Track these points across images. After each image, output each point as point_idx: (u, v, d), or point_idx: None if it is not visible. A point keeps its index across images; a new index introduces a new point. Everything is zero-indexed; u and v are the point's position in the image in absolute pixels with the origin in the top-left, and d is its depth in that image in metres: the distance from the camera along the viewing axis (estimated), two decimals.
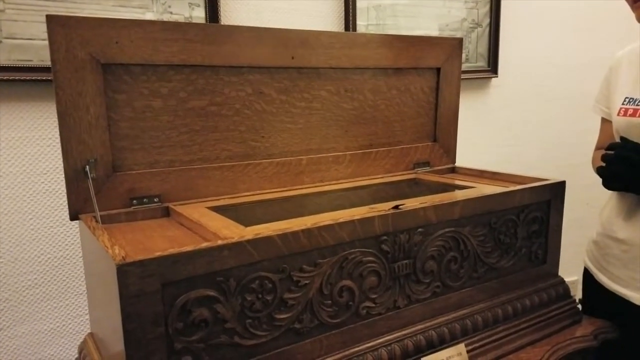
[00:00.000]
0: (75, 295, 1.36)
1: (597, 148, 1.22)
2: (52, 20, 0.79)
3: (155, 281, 0.61)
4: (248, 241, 0.68)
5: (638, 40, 1.12)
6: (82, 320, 1.37)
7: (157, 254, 0.61)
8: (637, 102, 1.04)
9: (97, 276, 0.77)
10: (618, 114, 1.07)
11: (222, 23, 1.43)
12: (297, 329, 0.74)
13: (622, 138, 1.02)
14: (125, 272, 0.59)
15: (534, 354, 0.95)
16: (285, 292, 0.72)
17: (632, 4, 1.00)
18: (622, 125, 1.06)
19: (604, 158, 0.99)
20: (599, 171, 1.01)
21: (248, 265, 0.68)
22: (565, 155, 2.19)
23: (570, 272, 1.24)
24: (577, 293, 1.17)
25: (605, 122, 1.19)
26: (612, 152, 0.98)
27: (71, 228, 1.33)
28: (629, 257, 1.06)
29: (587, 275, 1.19)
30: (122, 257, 0.60)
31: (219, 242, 0.66)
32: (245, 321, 0.69)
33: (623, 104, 1.07)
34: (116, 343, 0.65)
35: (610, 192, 1.10)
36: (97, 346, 0.84)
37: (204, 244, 0.65)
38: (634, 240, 1.04)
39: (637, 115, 1.03)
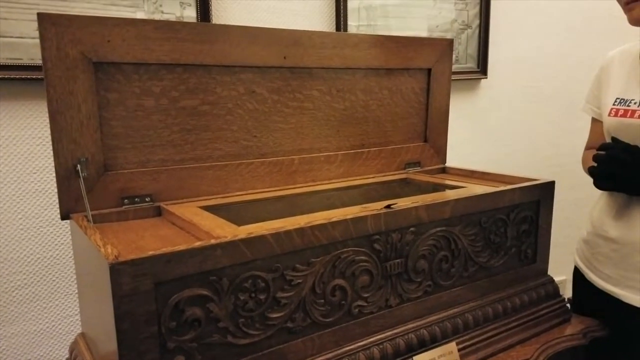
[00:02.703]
0: (65, 295, 1.35)
1: (587, 148, 1.24)
2: (44, 19, 0.78)
3: (148, 280, 0.61)
4: (241, 240, 0.68)
5: (629, 41, 1.13)
6: (72, 321, 1.36)
7: (150, 253, 0.61)
8: (628, 102, 1.06)
9: (88, 276, 0.77)
10: (609, 114, 1.09)
11: (213, 23, 1.43)
12: (289, 328, 0.74)
13: (613, 138, 1.04)
14: (118, 271, 0.59)
15: (524, 352, 0.96)
16: (278, 291, 0.72)
17: (624, 5, 1.02)
18: (613, 126, 1.07)
19: (595, 158, 1.00)
20: (590, 171, 1.02)
21: (241, 264, 0.68)
22: (554, 155, 2.22)
23: (559, 272, 1.25)
24: (566, 293, 1.18)
25: (596, 122, 1.20)
26: (603, 152, 1.00)
27: (61, 228, 1.32)
28: (619, 256, 1.07)
29: (577, 274, 1.21)
30: (115, 256, 0.60)
31: (212, 241, 0.66)
32: (238, 320, 0.69)
33: (614, 104, 1.08)
34: (108, 343, 0.65)
35: (600, 191, 1.12)
36: (88, 346, 0.83)
37: (197, 243, 0.65)
38: (624, 239, 1.06)
39: (627, 116, 1.04)
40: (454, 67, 1.79)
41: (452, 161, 1.34)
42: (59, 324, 1.35)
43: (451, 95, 1.31)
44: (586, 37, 2.22)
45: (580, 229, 1.22)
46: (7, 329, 1.29)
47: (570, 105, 2.18)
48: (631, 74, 1.08)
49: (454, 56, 1.79)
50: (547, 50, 2.16)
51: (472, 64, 1.96)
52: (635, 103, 1.04)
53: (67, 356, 0.90)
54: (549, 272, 1.11)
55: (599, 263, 1.12)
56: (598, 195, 1.16)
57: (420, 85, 1.26)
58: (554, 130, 2.24)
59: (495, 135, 2.11)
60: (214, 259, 0.66)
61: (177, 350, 0.65)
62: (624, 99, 1.07)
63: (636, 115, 1.02)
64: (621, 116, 1.05)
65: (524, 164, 2.17)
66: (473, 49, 1.96)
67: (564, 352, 1.00)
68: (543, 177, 1.07)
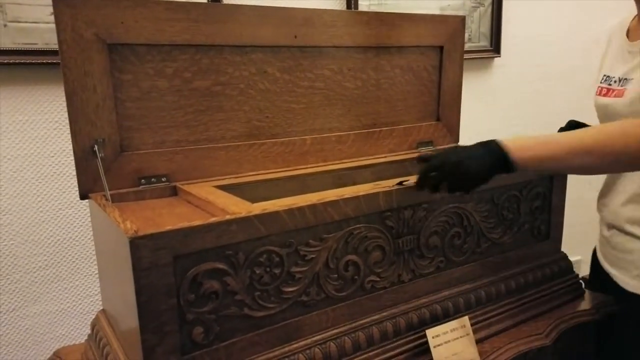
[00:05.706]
0: (85, 276, 1.38)
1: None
2: (59, 1, 0.79)
3: (166, 254, 0.63)
4: (255, 216, 0.69)
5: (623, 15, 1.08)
6: (92, 301, 1.39)
7: (168, 227, 0.63)
8: (610, 81, 1.01)
9: (109, 252, 0.79)
10: (595, 93, 1.05)
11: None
12: (304, 302, 0.76)
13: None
14: (137, 245, 0.61)
15: (536, 327, 0.96)
16: (292, 266, 0.74)
17: None
18: (595, 105, 1.04)
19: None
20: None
21: (256, 239, 0.70)
22: None
23: (574, 252, 1.24)
24: (581, 272, 1.18)
25: None
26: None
27: (79, 210, 1.35)
28: (608, 235, 1.05)
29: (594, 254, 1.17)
30: (135, 230, 0.62)
31: (227, 217, 0.68)
32: (254, 293, 0.71)
33: (600, 82, 1.04)
34: (129, 316, 0.67)
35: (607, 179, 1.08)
36: (109, 322, 0.86)
37: (213, 219, 0.67)
38: (606, 219, 1.05)
39: (603, 94, 1.01)
40: (467, 46, 1.77)
41: (465, 141, 1.33)
42: (80, 303, 1.38)
43: (464, 74, 1.30)
44: (600, 14, 2.17)
45: (593, 209, 1.21)
46: (30, 308, 1.33)
47: (584, 84, 2.14)
48: (617, 50, 1.03)
49: (466, 35, 1.77)
50: (560, 27, 2.12)
51: (485, 42, 1.94)
52: (615, 81, 1.00)
53: (88, 332, 0.93)
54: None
55: (599, 242, 1.12)
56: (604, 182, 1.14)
57: (432, 63, 1.25)
58: (568, 109, 2.19)
59: (508, 114, 2.09)
60: (229, 234, 0.67)
61: (195, 321, 0.67)
62: (608, 76, 1.02)
63: (612, 94, 0.98)
64: (603, 95, 1.01)
65: None
66: (486, 27, 1.93)
67: (577, 327, 1.00)
68: None
